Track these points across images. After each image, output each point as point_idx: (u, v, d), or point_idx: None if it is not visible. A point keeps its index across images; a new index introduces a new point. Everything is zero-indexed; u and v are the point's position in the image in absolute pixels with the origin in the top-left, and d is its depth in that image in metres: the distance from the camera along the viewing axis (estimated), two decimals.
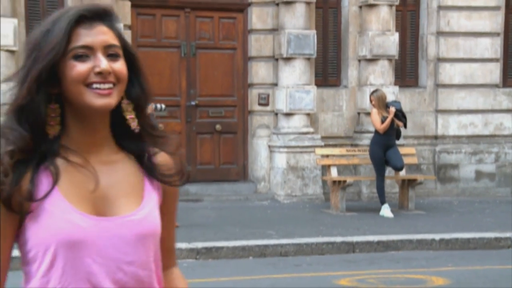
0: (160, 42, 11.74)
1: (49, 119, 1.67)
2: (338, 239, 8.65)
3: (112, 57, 1.67)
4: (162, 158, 1.79)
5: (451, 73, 12.97)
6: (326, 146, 11.73)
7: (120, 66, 1.68)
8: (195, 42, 11.93)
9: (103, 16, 1.70)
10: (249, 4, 12.04)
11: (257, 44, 12.06)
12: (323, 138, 12.01)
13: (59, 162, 1.67)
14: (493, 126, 13.18)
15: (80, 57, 1.65)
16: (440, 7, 12.87)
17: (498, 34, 13.13)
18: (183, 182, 1.83)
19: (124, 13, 11.19)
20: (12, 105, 1.66)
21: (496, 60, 13.16)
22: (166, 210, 1.81)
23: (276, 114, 12.12)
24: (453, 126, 13.03)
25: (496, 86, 13.19)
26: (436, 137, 13.01)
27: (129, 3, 11.33)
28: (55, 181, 1.65)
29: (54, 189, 1.65)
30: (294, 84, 11.81)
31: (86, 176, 1.69)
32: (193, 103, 11.91)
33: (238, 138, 12.24)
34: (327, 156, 11.17)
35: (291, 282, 7.04)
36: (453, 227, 9.58)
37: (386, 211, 10.38)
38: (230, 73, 12.13)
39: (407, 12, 13.02)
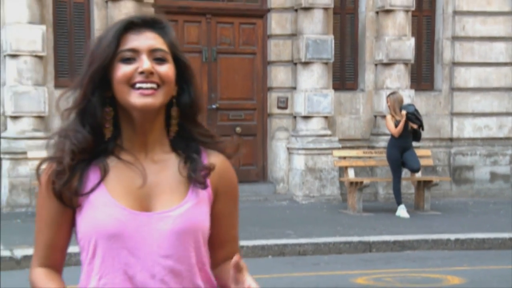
0: (182, 47, 11.43)
1: (104, 121, 1.72)
2: (355, 238, 8.62)
3: (158, 60, 1.71)
4: (213, 161, 1.81)
5: (466, 76, 12.89)
6: (343, 148, 11.69)
7: (165, 69, 1.71)
8: (216, 47, 11.96)
9: (152, 23, 1.75)
10: (269, 10, 12.05)
11: (276, 49, 12.06)
12: (340, 140, 11.99)
13: (110, 160, 1.74)
14: (507, 128, 13.08)
15: (127, 60, 1.69)
16: (455, 12, 12.80)
17: None
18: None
19: None
20: (73, 108, 1.73)
21: (511, 64, 13.05)
22: (219, 208, 1.82)
23: (295, 117, 12.11)
24: (468, 128, 12.94)
25: (511, 89, 13.08)
26: (451, 140, 12.93)
27: (152, 10, 11.38)
28: (102, 178, 1.72)
29: (100, 185, 1.71)
30: (312, 87, 11.80)
31: (134, 173, 1.74)
32: (214, 106, 11.93)
33: (257, 140, 12.24)
34: (344, 158, 11.15)
35: (309, 281, 7.03)
36: (468, 227, 9.52)
37: (402, 211, 10.34)
38: (250, 77, 12.14)
39: (423, 17, 12.96)
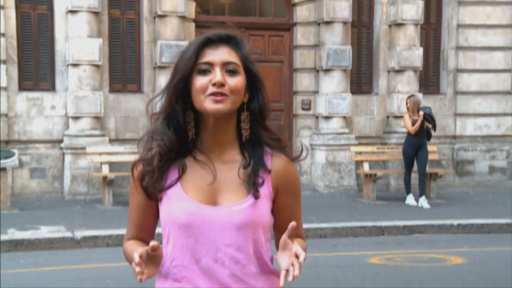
0: None
1: (186, 123, 1.75)
2: (370, 223, 8.59)
3: (230, 72, 1.73)
4: (276, 162, 1.81)
5: (469, 82, 12.74)
6: (359, 144, 11.66)
7: (235, 81, 1.72)
8: None
9: (227, 39, 1.78)
10: (295, 24, 12.04)
11: (301, 58, 12.05)
12: (357, 137, 11.94)
13: (188, 159, 1.77)
14: (504, 127, 12.92)
15: (203, 72, 1.72)
16: (459, 25, 12.66)
17: (510, 48, 12.84)
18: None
19: (189, 32, 11.30)
20: (160, 113, 1.76)
21: (508, 70, 12.87)
22: (281, 203, 1.82)
23: (317, 117, 12.09)
24: (469, 127, 12.81)
25: (508, 93, 12.91)
26: (455, 137, 12.80)
27: (193, 24, 11.45)
28: (179, 176, 1.75)
29: (177, 182, 1.75)
30: (332, 91, 11.76)
31: (206, 172, 1.76)
32: None
33: (284, 138, 12.21)
34: (360, 153, 11.12)
35: (329, 260, 7.02)
36: (469, 214, 9.43)
37: (410, 200, 10.27)
38: (278, 82, 12.14)
39: (430, 30, 12.83)
